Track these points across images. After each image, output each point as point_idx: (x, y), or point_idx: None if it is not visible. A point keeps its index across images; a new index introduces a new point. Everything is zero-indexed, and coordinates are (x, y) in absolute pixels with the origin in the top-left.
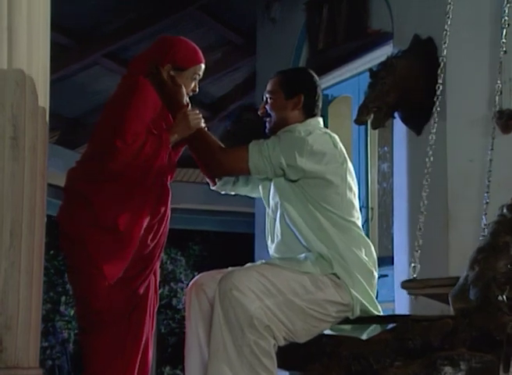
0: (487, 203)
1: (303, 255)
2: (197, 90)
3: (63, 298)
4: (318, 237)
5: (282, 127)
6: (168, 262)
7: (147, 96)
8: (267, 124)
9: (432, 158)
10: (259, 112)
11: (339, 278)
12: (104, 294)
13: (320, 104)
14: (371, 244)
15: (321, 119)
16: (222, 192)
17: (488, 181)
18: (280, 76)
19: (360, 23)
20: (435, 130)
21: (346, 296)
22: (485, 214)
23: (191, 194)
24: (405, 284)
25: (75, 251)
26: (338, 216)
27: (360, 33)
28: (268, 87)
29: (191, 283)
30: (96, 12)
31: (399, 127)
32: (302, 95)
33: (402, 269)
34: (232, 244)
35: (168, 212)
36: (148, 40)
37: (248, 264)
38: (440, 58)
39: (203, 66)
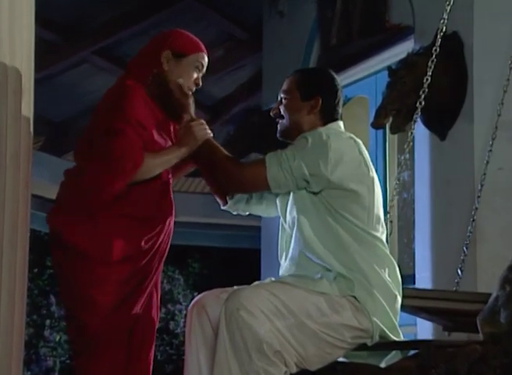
0: None
1: (319, 274)
2: (201, 83)
3: (48, 322)
4: (338, 254)
5: (294, 132)
6: (165, 281)
7: (135, 101)
8: (278, 127)
9: (454, 166)
10: (272, 113)
11: (358, 301)
12: (102, 311)
13: (340, 109)
14: (395, 263)
15: (342, 123)
16: (234, 212)
17: None
18: (297, 75)
19: (377, 16)
20: (460, 135)
21: (364, 321)
22: None
23: (190, 206)
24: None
25: (74, 262)
26: (363, 230)
27: (377, 28)
28: (284, 86)
29: (192, 303)
30: (85, 4)
31: (420, 132)
32: (320, 98)
33: (425, 287)
34: (235, 261)
35: (171, 220)
36: (143, 34)
37: (256, 282)
38: (465, 56)
39: (205, 56)
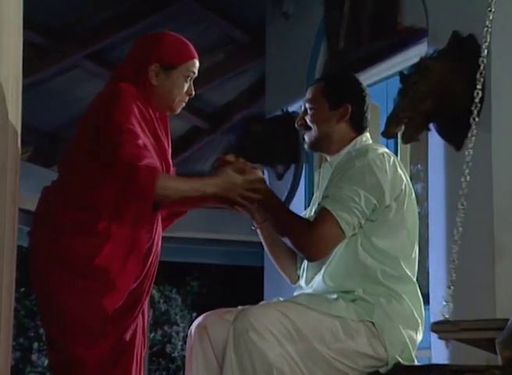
0: None
1: (335, 294)
2: (193, 93)
3: (35, 345)
4: (361, 283)
5: (324, 143)
6: (162, 301)
7: (127, 106)
8: (306, 138)
9: (471, 178)
10: (297, 125)
11: (376, 328)
12: (86, 338)
13: (369, 115)
14: (421, 300)
15: (369, 135)
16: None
17: None
18: (323, 82)
19: (388, 18)
20: (473, 144)
21: (380, 349)
22: None
23: (188, 221)
24: (435, 327)
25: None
26: (393, 267)
27: (388, 30)
28: (308, 95)
29: (194, 324)
30: (76, 6)
31: (435, 141)
32: (349, 105)
33: (439, 309)
34: (237, 279)
35: (158, 238)
36: (137, 38)
37: (264, 302)
38: (480, 59)
39: (196, 62)
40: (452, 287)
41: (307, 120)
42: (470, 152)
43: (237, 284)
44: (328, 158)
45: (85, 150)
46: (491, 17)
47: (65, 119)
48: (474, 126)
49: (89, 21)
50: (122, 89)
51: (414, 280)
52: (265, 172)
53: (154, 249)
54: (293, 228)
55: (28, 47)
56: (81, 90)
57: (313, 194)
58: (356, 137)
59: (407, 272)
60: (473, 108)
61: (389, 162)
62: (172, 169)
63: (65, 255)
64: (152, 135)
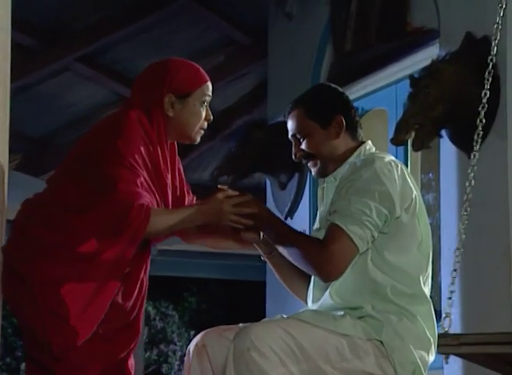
0: None
1: (342, 311)
2: (212, 118)
3: (23, 366)
4: (370, 299)
5: (332, 163)
6: (157, 318)
7: (132, 138)
8: (312, 168)
9: (486, 187)
10: (295, 158)
11: (385, 347)
12: (74, 362)
13: (358, 118)
14: (435, 319)
15: (371, 143)
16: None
17: None
18: (302, 105)
19: (398, 19)
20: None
21: (390, 370)
22: None
23: None
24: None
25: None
26: (402, 282)
27: (398, 31)
28: (293, 125)
29: (192, 343)
30: (67, 6)
31: (447, 149)
32: (340, 115)
33: (453, 326)
34: (238, 295)
35: (148, 256)
36: (132, 39)
37: (266, 319)
38: (489, 58)
39: (210, 85)
40: (452, 299)
41: (305, 150)
42: (476, 155)
43: (238, 300)
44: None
45: (80, 172)
46: (502, 14)
47: (55, 126)
48: (480, 128)
49: (81, 22)
50: (130, 118)
51: (429, 298)
52: (268, 182)
53: (144, 266)
54: (303, 249)
55: (16, 48)
56: (73, 94)
57: (317, 208)
58: (358, 146)
59: (422, 290)
60: (480, 108)
61: (397, 170)
62: (187, 197)
63: (33, 279)
64: (154, 170)
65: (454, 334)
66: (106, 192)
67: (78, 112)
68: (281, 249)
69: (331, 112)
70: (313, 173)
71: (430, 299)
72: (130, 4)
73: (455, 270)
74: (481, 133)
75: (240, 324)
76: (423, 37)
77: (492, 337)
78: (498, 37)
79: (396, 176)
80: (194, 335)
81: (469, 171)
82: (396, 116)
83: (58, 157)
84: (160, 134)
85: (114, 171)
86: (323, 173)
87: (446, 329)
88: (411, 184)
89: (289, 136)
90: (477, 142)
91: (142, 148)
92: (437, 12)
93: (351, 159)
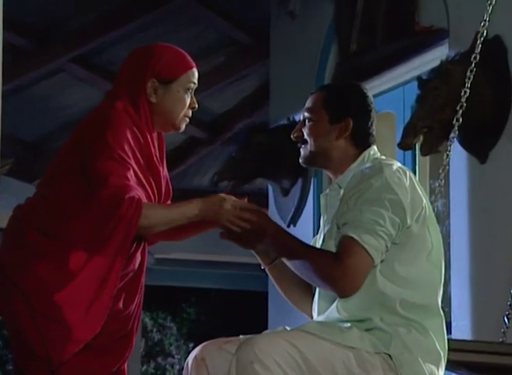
0: None
1: (348, 323)
2: (196, 105)
3: None
4: (378, 312)
5: (321, 159)
6: (155, 329)
7: (120, 130)
8: (301, 152)
9: (498, 194)
10: (293, 136)
11: (393, 361)
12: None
13: (374, 131)
14: (445, 333)
15: (376, 148)
16: None
17: None
18: (324, 91)
19: (405, 18)
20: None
21: None
22: None
23: (185, 241)
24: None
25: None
26: (413, 296)
27: (405, 31)
28: (308, 104)
29: (191, 356)
30: (60, 4)
31: (457, 153)
32: (351, 119)
33: (463, 336)
34: (238, 305)
35: (144, 261)
36: (128, 39)
37: (268, 331)
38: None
39: (195, 71)
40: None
41: (305, 133)
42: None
43: (239, 311)
44: (332, 176)
45: (69, 171)
46: None
47: (48, 129)
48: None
49: (76, 21)
50: (117, 109)
51: (441, 311)
52: (270, 188)
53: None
54: (316, 263)
55: (8, 49)
56: (67, 96)
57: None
58: (360, 153)
59: (434, 302)
60: (457, 108)
61: (407, 178)
62: (168, 194)
63: (27, 286)
64: (146, 161)
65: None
66: (96, 188)
67: (72, 115)
68: (289, 263)
69: (344, 112)
70: (300, 158)
71: (442, 312)
72: (126, 2)
73: None
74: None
75: (241, 336)
76: (432, 37)
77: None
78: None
79: (407, 185)
80: (193, 348)
81: (440, 171)
82: (403, 120)
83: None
84: (148, 123)
85: (103, 164)
86: (305, 162)
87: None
88: (420, 192)
89: (302, 112)
90: (453, 138)
91: (131, 140)
92: (446, 11)
93: (354, 166)
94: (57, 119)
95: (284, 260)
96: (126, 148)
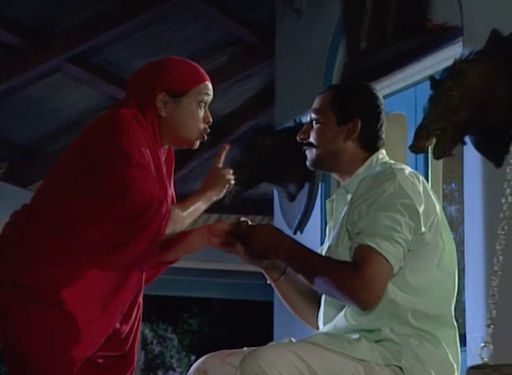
0: None
1: (357, 334)
2: (211, 119)
3: None
4: (388, 322)
5: (329, 162)
6: (155, 341)
7: (134, 134)
8: (308, 155)
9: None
10: (299, 138)
11: (404, 374)
12: None
13: (383, 134)
14: (458, 343)
15: (384, 152)
16: None
17: None
18: (332, 91)
19: (417, 15)
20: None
21: None
22: None
23: None
24: (472, 372)
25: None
26: (425, 305)
27: (417, 29)
28: (315, 105)
29: (192, 368)
30: (55, 1)
31: (471, 157)
32: (359, 120)
33: (477, 352)
34: (243, 316)
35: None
36: (128, 37)
37: (273, 342)
38: None
39: (209, 84)
40: (492, 326)
41: (311, 135)
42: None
43: (243, 322)
44: (340, 179)
45: (83, 176)
46: None
47: (44, 132)
48: None
49: (72, 19)
50: (126, 116)
51: (455, 321)
52: (275, 193)
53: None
54: (333, 276)
55: (2, 49)
56: (63, 97)
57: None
58: (368, 156)
59: (447, 312)
60: None
61: (420, 183)
62: None
63: (35, 284)
64: (155, 173)
65: (495, 365)
66: (119, 195)
67: (69, 117)
68: (304, 278)
69: (353, 113)
70: (306, 161)
71: (456, 323)
72: (124, 0)
73: (493, 295)
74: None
75: (245, 348)
76: (445, 35)
77: None
78: None
79: (420, 189)
80: (195, 360)
81: (505, 186)
82: (415, 121)
83: (47, 166)
84: (155, 136)
85: (123, 174)
86: (313, 165)
87: (486, 359)
88: (433, 198)
89: (309, 113)
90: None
91: (145, 147)
92: (460, 8)
93: (362, 169)
94: (52, 121)
95: (299, 275)
96: (143, 154)
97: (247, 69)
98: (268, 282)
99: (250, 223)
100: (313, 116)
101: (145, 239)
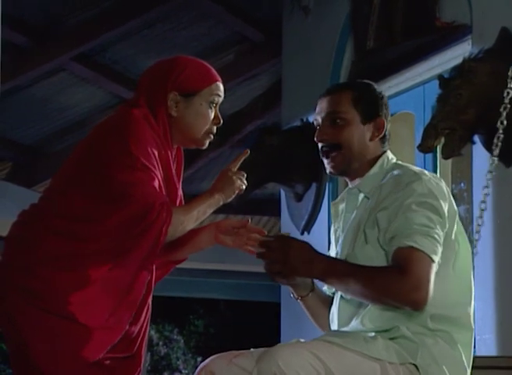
0: None
1: (372, 333)
2: (221, 121)
3: None
4: (405, 321)
5: (357, 165)
6: (161, 343)
7: (142, 136)
8: (333, 160)
9: None
10: (320, 139)
11: (419, 372)
12: None
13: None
14: (472, 347)
15: (390, 152)
16: None
17: None
18: (351, 89)
19: (426, 13)
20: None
21: None
22: None
23: None
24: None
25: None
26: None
27: (425, 27)
28: (332, 104)
29: (198, 369)
30: (62, 0)
31: (480, 156)
32: (383, 118)
33: (488, 351)
34: (250, 317)
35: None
36: (133, 36)
37: (282, 343)
38: None
39: (220, 85)
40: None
41: (336, 136)
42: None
43: (250, 323)
44: (348, 180)
45: (89, 181)
46: None
47: (48, 132)
48: (501, 131)
49: (77, 17)
50: (136, 116)
51: (472, 324)
52: (282, 193)
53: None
54: (380, 282)
55: (6, 47)
56: (68, 97)
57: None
58: (380, 156)
59: (465, 314)
60: (501, 109)
61: (442, 185)
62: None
63: (42, 290)
64: (165, 176)
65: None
66: (123, 198)
67: (74, 117)
68: (344, 290)
69: (377, 111)
70: (328, 168)
71: (473, 325)
72: None
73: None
74: (501, 136)
75: (252, 350)
76: (454, 33)
77: None
78: None
79: (445, 191)
80: (201, 362)
81: None
82: (423, 120)
83: (51, 166)
84: (166, 137)
85: (127, 176)
86: (341, 171)
87: None
88: (452, 200)
89: (321, 114)
90: (496, 146)
91: (154, 148)
92: (469, 6)
93: (375, 170)
94: (57, 120)
95: (339, 288)
96: (150, 156)
97: (254, 68)
98: (293, 297)
99: (283, 234)
100: (336, 115)
101: (147, 244)
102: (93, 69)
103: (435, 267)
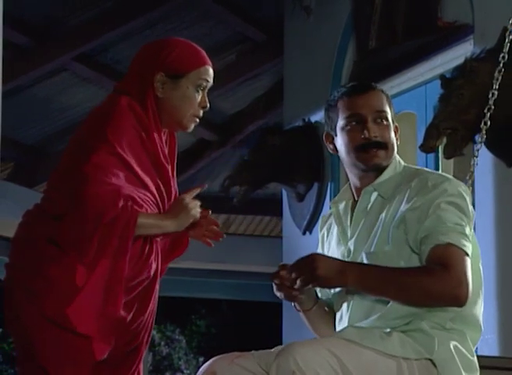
0: None
1: (387, 328)
2: (208, 105)
3: None
4: (422, 315)
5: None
6: (163, 343)
7: (121, 127)
8: (378, 155)
9: None
10: (371, 135)
11: (436, 367)
12: None
13: None
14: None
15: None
16: None
17: None
18: (379, 90)
19: (427, 13)
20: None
21: None
22: None
23: (194, 249)
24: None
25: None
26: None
27: (427, 27)
28: (380, 104)
29: (200, 370)
30: (63, 0)
31: (482, 156)
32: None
33: (490, 351)
34: (251, 317)
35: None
36: (135, 36)
37: (293, 342)
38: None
39: (209, 69)
40: None
41: (382, 134)
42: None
43: (252, 323)
44: (358, 179)
45: (69, 171)
46: None
47: (50, 132)
48: (484, 132)
49: (79, 17)
50: (121, 105)
51: (481, 325)
52: (284, 193)
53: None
54: (424, 283)
55: (8, 47)
56: (70, 97)
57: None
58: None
59: (475, 314)
60: (485, 111)
61: (466, 188)
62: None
63: (45, 292)
64: (152, 161)
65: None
66: (85, 183)
67: (76, 117)
68: (379, 295)
69: (395, 115)
70: (374, 160)
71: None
72: None
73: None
74: (485, 137)
75: (253, 351)
76: (456, 33)
77: None
78: None
79: (469, 193)
80: (203, 362)
81: None
82: (425, 120)
83: (53, 166)
84: (155, 119)
85: (99, 160)
86: (382, 168)
87: None
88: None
89: (366, 111)
90: (477, 148)
91: (134, 139)
92: (471, 6)
93: (389, 170)
94: (59, 120)
95: (374, 293)
96: (126, 147)
97: (256, 68)
98: (297, 309)
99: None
100: (382, 115)
101: (113, 241)
102: (94, 69)
103: (468, 264)
